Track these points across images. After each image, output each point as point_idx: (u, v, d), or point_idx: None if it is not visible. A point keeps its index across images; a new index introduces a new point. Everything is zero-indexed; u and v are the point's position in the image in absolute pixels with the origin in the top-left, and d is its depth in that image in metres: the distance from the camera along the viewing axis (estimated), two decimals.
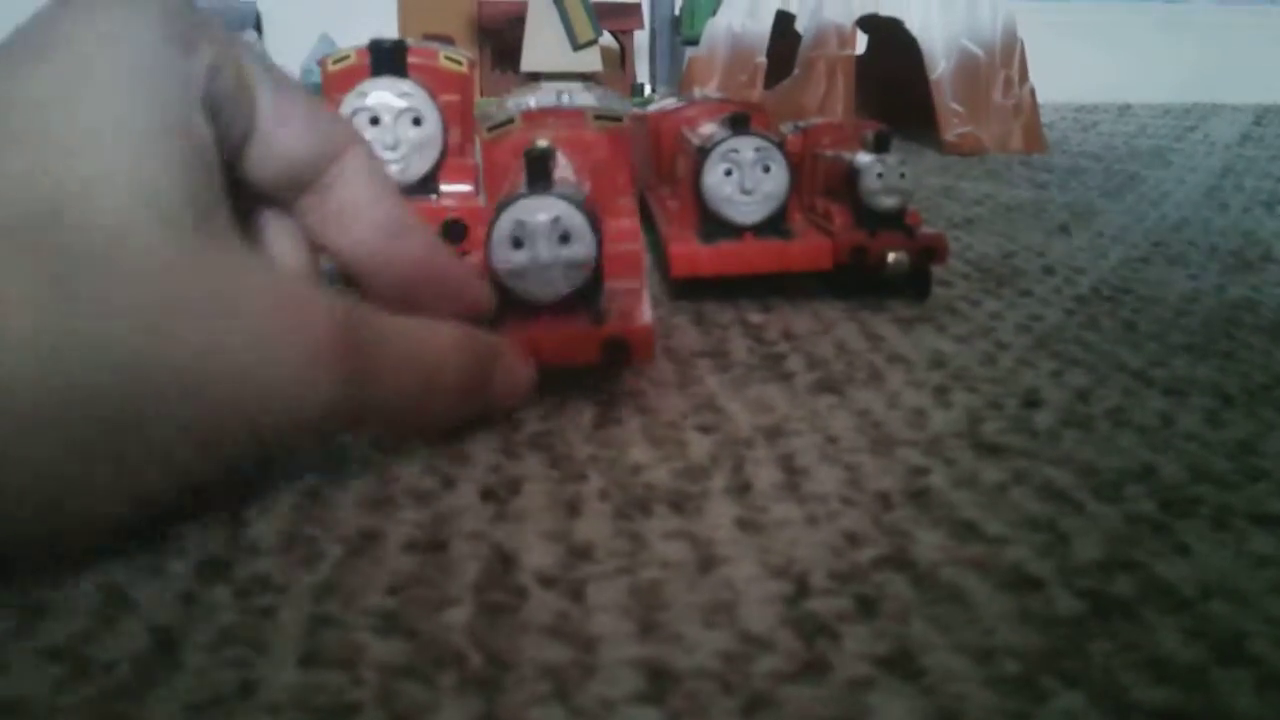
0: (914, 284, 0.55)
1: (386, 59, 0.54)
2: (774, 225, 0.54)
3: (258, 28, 1.72)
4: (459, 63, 0.60)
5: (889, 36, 1.27)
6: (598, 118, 0.45)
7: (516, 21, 1.39)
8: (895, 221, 0.54)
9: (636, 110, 0.68)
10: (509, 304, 0.37)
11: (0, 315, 0.23)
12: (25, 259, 0.23)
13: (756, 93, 1.25)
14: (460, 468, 0.34)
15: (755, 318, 0.52)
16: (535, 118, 0.45)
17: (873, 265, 0.54)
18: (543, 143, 0.38)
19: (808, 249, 0.54)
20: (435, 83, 0.56)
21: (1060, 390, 0.42)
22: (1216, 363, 0.46)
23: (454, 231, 0.51)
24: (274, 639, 0.25)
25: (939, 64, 1.20)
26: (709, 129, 0.57)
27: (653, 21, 1.74)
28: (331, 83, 0.57)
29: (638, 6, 1.62)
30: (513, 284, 0.37)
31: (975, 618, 0.26)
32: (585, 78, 1.34)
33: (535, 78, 1.35)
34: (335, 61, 0.58)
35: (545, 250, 0.36)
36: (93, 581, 0.27)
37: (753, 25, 1.29)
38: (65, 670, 0.24)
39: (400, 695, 0.23)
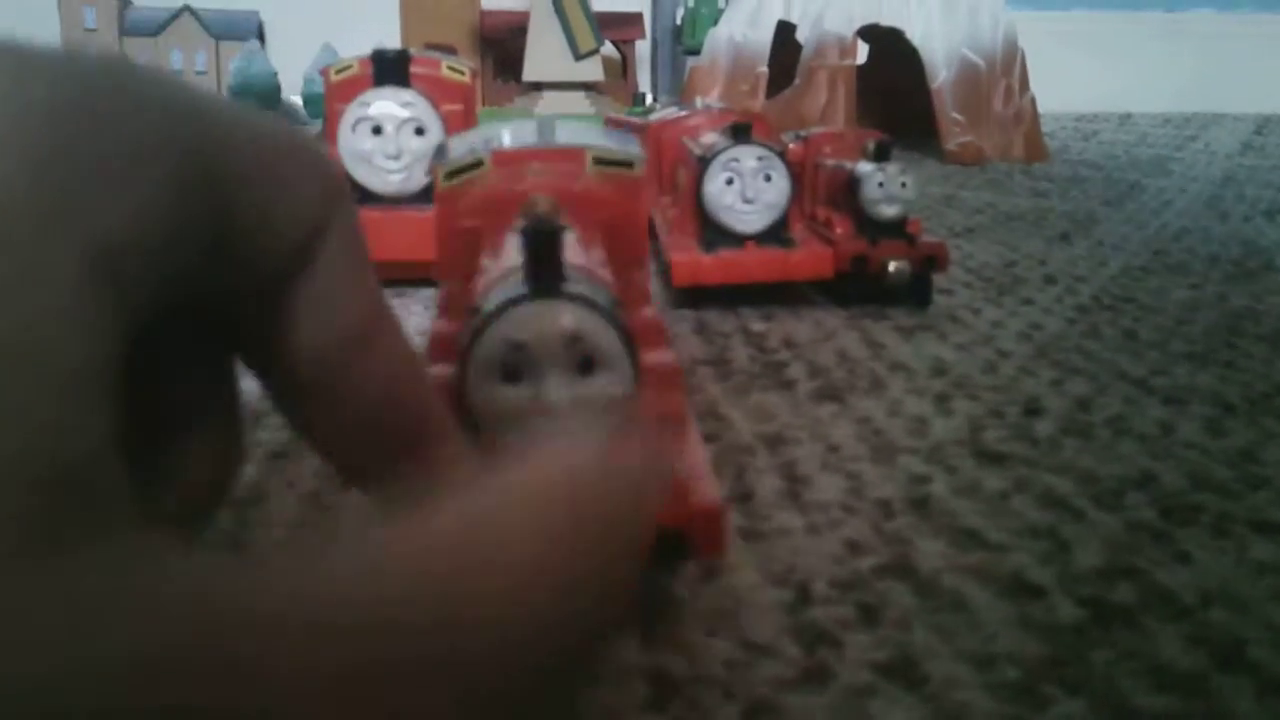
0: (915, 292, 0.56)
1: (389, 69, 0.54)
2: (775, 234, 0.54)
3: (260, 37, 1.72)
4: (461, 73, 0.61)
5: (890, 46, 1.27)
6: (602, 162, 0.32)
7: (519, 31, 1.39)
8: (896, 230, 0.55)
9: (637, 119, 0.68)
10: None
11: None
12: None
13: (758, 102, 1.26)
14: None
15: (757, 326, 0.52)
16: (510, 160, 0.32)
17: (874, 274, 0.54)
18: (544, 203, 0.27)
19: (809, 258, 0.54)
20: (438, 92, 0.56)
21: (1061, 398, 0.42)
22: (1217, 371, 0.46)
23: None
24: None
25: (940, 73, 1.20)
26: (710, 138, 0.57)
27: (654, 31, 1.75)
28: (334, 92, 0.57)
29: (639, 16, 1.63)
30: (503, 433, 0.24)
31: (976, 625, 0.26)
32: (587, 87, 1.35)
33: (537, 87, 1.36)
34: (338, 71, 0.58)
35: (557, 385, 0.24)
36: None
37: (754, 35, 1.30)
38: None
39: None
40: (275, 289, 0.21)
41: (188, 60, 1.68)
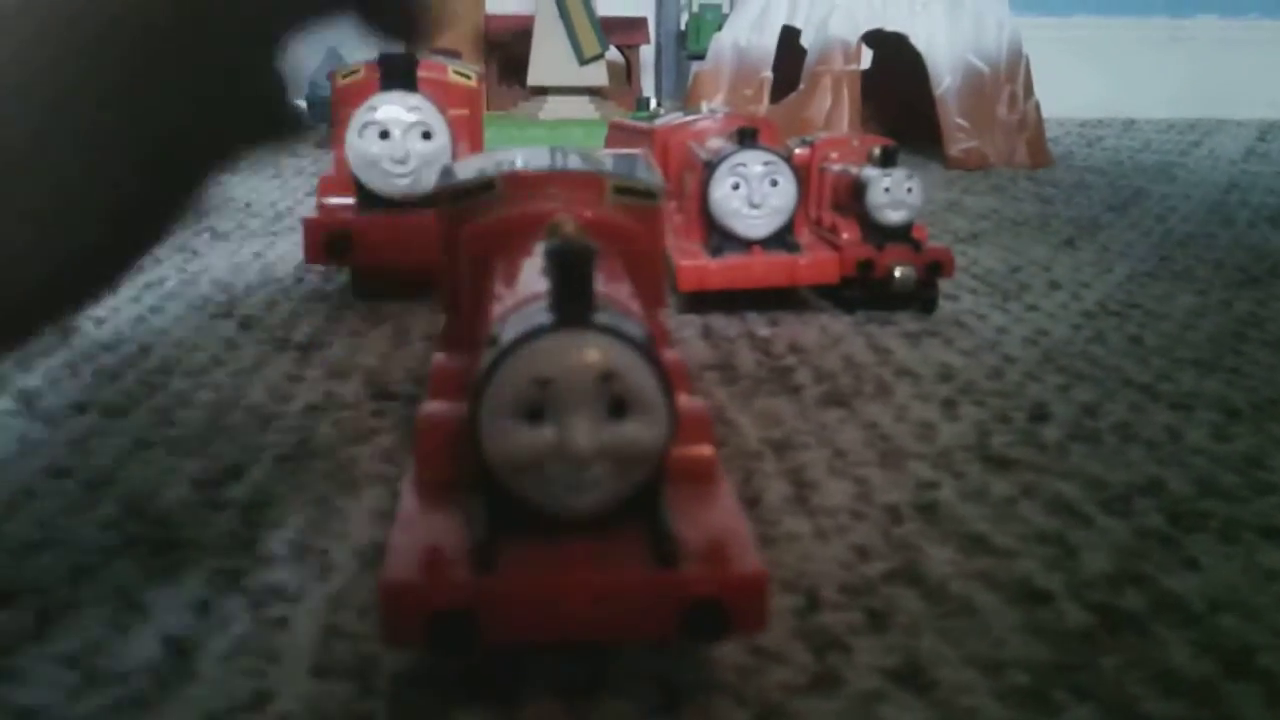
0: (921, 298, 0.56)
1: (396, 73, 0.54)
2: (781, 239, 0.54)
3: None
4: (468, 77, 0.61)
5: (894, 52, 1.27)
6: (623, 191, 0.30)
7: (523, 36, 1.39)
8: (902, 236, 0.55)
9: (642, 124, 0.68)
10: (512, 518, 0.22)
11: None
12: None
13: (762, 107, 1.26)
14: None
15: (763, 331, 0.52)
16: (524, 182, 0.30)
17: (880, 279, 0.54)
18: (570, 224, 0.25)
19: (815, 263, 0.54)
20: (444, 97, 0.56)
21: (1068, 404, 0.42)
22: (1223, 377, 0.46)
23: None
24: (287, 649, 0.25)
25: (944, 79, 1.20)
26: (716, 143, 0.57)
27: (658, 36, 1.75)
28: (341, 97, 0.57)
29: (644, 21, 1.63)
30: (521, 488, 0.22)
31: (985, 631, 0.26)
32: (592, 91, 1.35)
33: (542, 91, 1.36)
34: (345, 76, 0.58)
35: (585, 428, 0.21)
36: (106, 589, 0.27)
37: (758, 40, 1.30)
38: (78, 679, 0.24)
39: (412, 706, 0.23)
40: None
41: None
